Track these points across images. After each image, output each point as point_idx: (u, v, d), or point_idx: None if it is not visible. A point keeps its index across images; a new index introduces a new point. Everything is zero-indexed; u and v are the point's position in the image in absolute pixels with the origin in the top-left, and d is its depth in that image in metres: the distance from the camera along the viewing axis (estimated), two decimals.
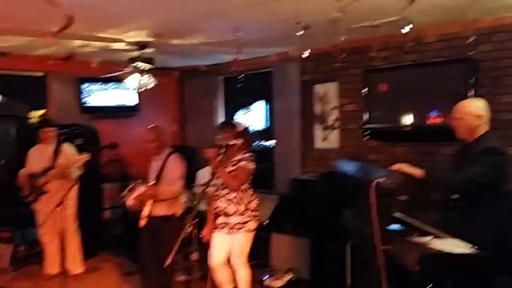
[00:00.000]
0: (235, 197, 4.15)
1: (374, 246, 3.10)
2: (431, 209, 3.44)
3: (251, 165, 4.15)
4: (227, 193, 4.16)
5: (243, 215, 4.14)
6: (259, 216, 4.27)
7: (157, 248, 4.76)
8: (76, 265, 5.68)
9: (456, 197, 3.21)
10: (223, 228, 4.19)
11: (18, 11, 4.30)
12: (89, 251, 6.32)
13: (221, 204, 4.19)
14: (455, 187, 3.30)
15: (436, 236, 3.09)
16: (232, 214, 4.14)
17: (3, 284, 5.32)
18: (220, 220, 4.21)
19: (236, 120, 4.45)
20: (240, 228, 4.12)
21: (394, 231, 3.32)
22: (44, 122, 5.83)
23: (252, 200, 4.23)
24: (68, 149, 5.59)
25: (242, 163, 4.13)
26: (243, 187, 4.16)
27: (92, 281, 5.64)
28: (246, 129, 4.35)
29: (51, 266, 5.65)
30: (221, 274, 4.32)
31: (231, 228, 4.15)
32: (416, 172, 3.35)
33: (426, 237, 3.07)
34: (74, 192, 5.54)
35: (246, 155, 4.19)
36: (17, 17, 4.52)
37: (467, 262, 2.82)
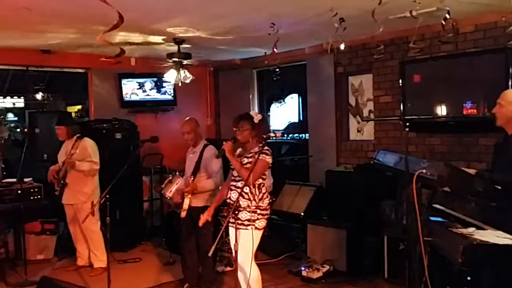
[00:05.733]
0: (247, 193, 3.98)
1: (414, 237, 3.10)
2: (473, 200, 3.43)
3: (268, 158, 3.96)
4: (242, 186, 3.96)
5: (253, 212, 3.97)
6: (269, 215, 4.13)
7: (197, 238, 4.91)
8: (96, 259, 5.67)
9: (498, 188, 3.19)
10: (233, 223, 4.03)
11: (69, 8, 4.42)
12: (129, 242, 6.56)
13: (233, 195, 4.04)
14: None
15: (479, 227, 3.10)
16: (242, 210, 3.98)
17: (47, 274, 5.48)
18: (231, 214, 3.94)
19: (253, 112, 4.26)
20: (249, 225, 3.97)
21: (436, 222, 3.32)
22: (58, 119, 5.83)
23: (264, 198, 4.05)
24: (83, 143, 5.53)
25: (258, 156, 3.93)
26: (257, 182, 4.00)
27: (133, 271, 5.78)
28: (263, 120, 4.13)
29: (80, 258, 5.81)
30: (239, 272, 4.05)
31: (240, 224, 3.98)
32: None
33: (469, 228, 3.08)
34: (90, 187, 5.54)
35: (264, 148, 3.99)
36: (68, 14, 4.65)
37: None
